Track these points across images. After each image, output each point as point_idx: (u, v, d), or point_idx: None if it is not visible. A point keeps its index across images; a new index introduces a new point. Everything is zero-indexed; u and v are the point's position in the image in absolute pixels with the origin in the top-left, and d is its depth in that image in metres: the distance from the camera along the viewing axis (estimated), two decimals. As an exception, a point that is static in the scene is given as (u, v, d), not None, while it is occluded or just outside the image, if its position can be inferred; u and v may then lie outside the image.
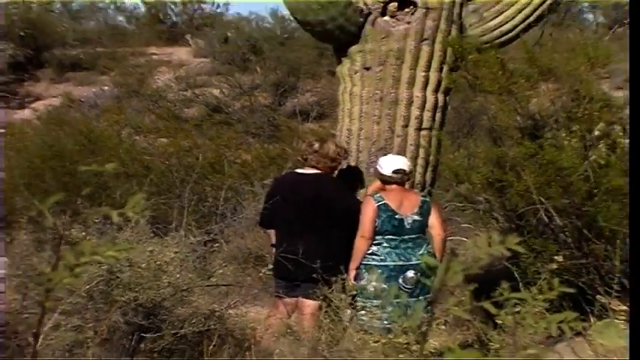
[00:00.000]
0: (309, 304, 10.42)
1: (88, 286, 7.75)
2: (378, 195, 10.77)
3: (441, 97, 11.87)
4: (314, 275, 9.91)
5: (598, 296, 9.51)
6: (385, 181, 10.93)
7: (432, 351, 7.47)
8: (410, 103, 11.69)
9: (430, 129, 11.84)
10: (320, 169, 11.23)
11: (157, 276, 8.58)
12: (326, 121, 25.74)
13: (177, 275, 8.70)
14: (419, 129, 11.74)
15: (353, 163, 11.78)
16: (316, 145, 11.36)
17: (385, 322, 10.09)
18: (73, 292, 7.64)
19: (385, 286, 10.50)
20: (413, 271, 10.58)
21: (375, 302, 10.31)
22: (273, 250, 11.27)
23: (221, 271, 11.90)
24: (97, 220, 8.40)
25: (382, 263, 10.67)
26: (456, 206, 15.18)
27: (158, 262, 8.70)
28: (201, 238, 11.08)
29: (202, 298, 9.24)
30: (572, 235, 11.74)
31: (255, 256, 13.99)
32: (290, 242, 10.72)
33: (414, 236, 10.84)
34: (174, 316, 8.56)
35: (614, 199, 11.71)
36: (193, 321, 8.67)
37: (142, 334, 8.26)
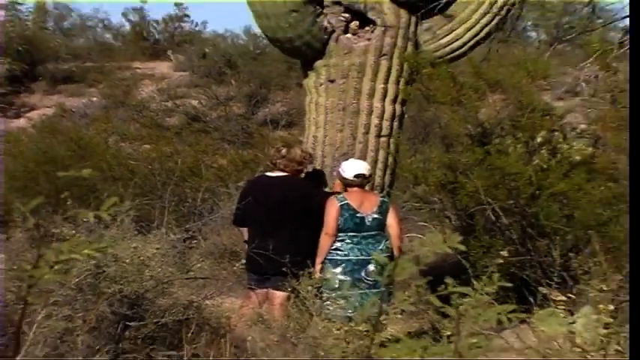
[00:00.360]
0: (279, 295, 10.50)
1: (77, 279, 7.76)
2: (341, 195, 10.84)
3: (398, 107, 11.93)
4: (283, 269, 10.01)
5: (540, 288, 9.55)
6: (347, 184, 10.97)
7: (389, 337, 7.48)
8: (370, 112, 11.75)
9: (389, 136, 11.87)
10: (287, 172, 11.30)
11: (140, 270, 8.58)
12: (294, 129, 25.82)
13: (159, 269, 8.71)
14: (378, 136, 11.79)
15: (319, 167, 11.80)
16: (284, 151, 11.46)
17: (348, 311, 10.15)
18: (63, 284, 7.64)
19: (349, 278, 10.64)
20: (373, 265, 10.59)
21: (339, 293, 10.37)
22: (246, 246, 11.34)
23: (199, 265, 11.91)
24: (85, 220, 8.40)
25: (346, 258, 10.74)
26: (412, 206, 15.23)
27: (141, 258, 8.71)
28: (180, 235, 11.08)
29: (182, 290, 9.24)
30: (517, 233, 11.82)
31: (229, 251, 14.02)
32: (261, 239, 10.78)
33: (373, 233, 10.89)
34: (156, 307, 8.55)
35: (554, 200, 11.86)
36: (173, 311, 8.65)
37: (127, 323, 8.26)
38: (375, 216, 10.90)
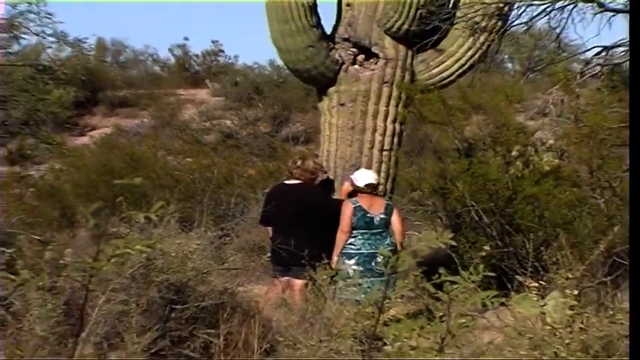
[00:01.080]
0: (298, 283, 10.59)
1: (131, 270, 7.76)
2: (355, 199, 10.95)
3: (397, 126, 11.91)
4: (302, 261, 10.06)
5: (516, 276, 9.54)
6: (359, 190, 11.07)
7: (391, 318, 7.47)
8: (374, 130, 11.75)
9: (390, 150, 11.87)
10: (302, 180, 11.41)
11: (183, 262, 8.58)
12: (311, 144, 25.75)
13: (199, 261, 8.71)
14: (381, 150, 11.79)
15: (332, 176, 11.83)
16: (299, 162, 11.60)
17: (360, 295, 10.13)
18: (119, 274, 7.64)
19: (361, 268, 10.81)
20: (380, 257, 10.59)
21: (351, 281, 10.38)
22: (270, 242, 11.51)
23: (232, 258, 11.91)
24: (137, 220, 8.39)
25: (359, 251, 10.90)
26: (410, 208, 15.23)
27: (184, 252, 8.71)
28: (217, 233, 11.09)
29: (218, 279, 9.22)
30: (497, 230, 11.89)
31: (258, 247, 14.02)
32: (282, 237, 10.94)
33: (380, 230, 11.00)
34: (196, 293, 8.54)
35: (527, 203, 11.93)
36: (211, 296, 8.62)
37: (173, 306, 8.25)
38: (382, 216, 10.99)
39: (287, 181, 11.78)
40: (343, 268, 10.89)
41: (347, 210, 11.07)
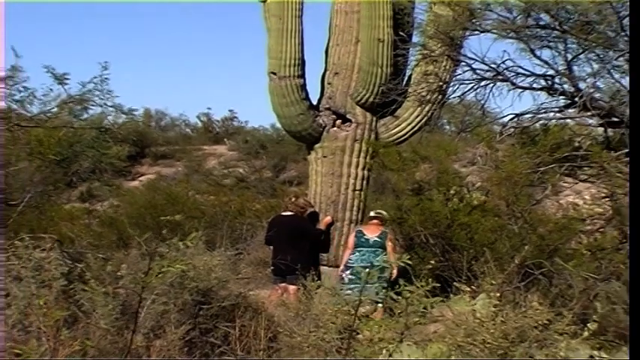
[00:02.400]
0: (292, 288, 10.64)
1: (170, 280, 7.75)
2: (359, 227, 11.44)
3: (365, 172, 11.89)
4: (295, 272, 10.29)
5: (454, 283, 9.55)
6: (369, 218, 11.46)
7: (363, 314, 7.46)
8: (348, 176, 11.74)
9: (360, 190, 11.85)
10: (295, 213, 11.65)
11: (208, 273, 8.58)
12: (302, 186, 25.65)
13: (220, 273, 8.71)
14: (354, 190, 11.77)
15: (317, 210, 11.81)
16: (292, 199, 11.96)
17: (355, 296, 10.23)
18: (162, 283, 7.62)
19: (353, 277, 10.95)
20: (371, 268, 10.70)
21: (351, 286, 10.63)
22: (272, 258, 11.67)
23: (244, 270, 12.04)
24: (175, 243, 8.42)
25: (352, 264, 11.02)
26: None
27: (209, 265, 8.72)
28: (233, 252, 11.08)
29: (234, 286, 9.23)
30: (439, 249, 11.91)
31: (263, 261, 13.95)
32: (280, 254, 11.14)
33: (374, 249, 11.07)
34: (218, 296, 8.53)
35: (462, 229, 11.97)
36: (229, 298, 8.62)
37: (201, 306, 8.24)
38: (376, 239, 11.10)
39: (283, 213, 11.90)
40: (343, 276, 11.13)
41: (351, 235, 11.32)
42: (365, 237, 11.14)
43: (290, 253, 11.03)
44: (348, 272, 11.11)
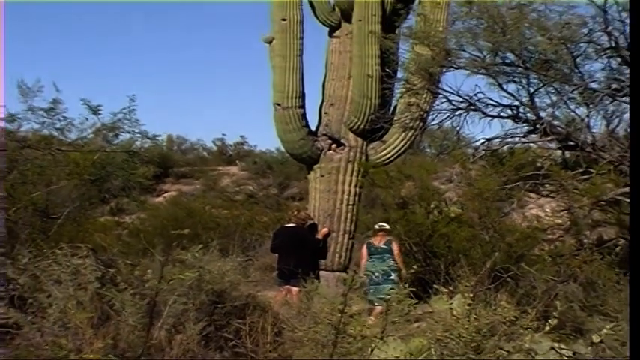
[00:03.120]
0: (294, 290, 10.49)
1: (189, 282, 7.72)
2: (369, 240, 11.24)
3: (357, 189, 11.86)
4: (297, 276, 10.14)
5: (435, 285, 9.46)
6: (374, 231, 11.19)
7: (355, 313, 7.46)
8: (343, 192, 11.71)
9: (353, 205, 11.82)
10: (296, 224, 11.52)
11: (222, 277, 8.53)
12: (303, 201, 25.58)
13: (232, 276, 8.66)
14: (347, 205, 11.74)
15: (316, 222, 11.77)
16: (295, 213, 11.93)
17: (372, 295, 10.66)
18: (181, 285, 7.59)
19: (368, 280, 10.77)
20: (381, 271, 10.81)
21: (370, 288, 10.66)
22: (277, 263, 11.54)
23: (253, 274, 11.92)
24: (192, 252, 8.41)
25: (367, 270, 10.84)
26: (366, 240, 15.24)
27: (223, 270, 8.68)
28: (243, 258, 11.04)
29: (245, 287, 9.19)
30: (422, 255, 11.83)
31: (270, 266, 13.87)
32: (284, 260, 11.02)
33: (381, 255, 10.89)
34: (231, 296, 8.47)
35: (441, 238, 11.95)
36: (241, 298, 8.58)
37: (216, 305, 8.20)
38: (382, 246, 10.93)
39: (287, 225, 11.81)
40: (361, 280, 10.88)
41: (363, 246, 11.23)
42: (374, 246, 11.02)
43: (292, 260, 10.90)
44: (364, 277, 10.98)
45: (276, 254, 11.58)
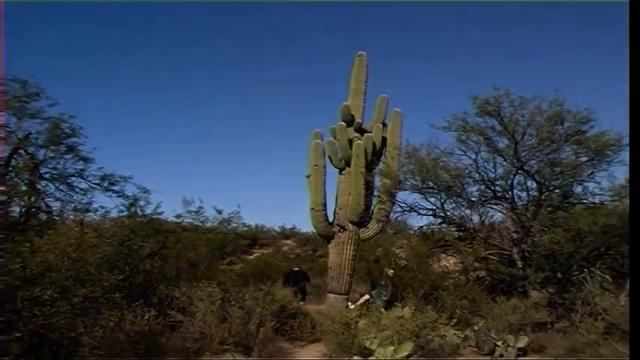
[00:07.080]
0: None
1: (267, 301, 7.52)
2: (379, 282, 10.76)
3: (354, 252, 11.30)
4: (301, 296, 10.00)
5: (395, 302, 9.27)
6: (386, 274, 10.81)
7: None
8: (346, 253, 11.23)
9: (352, 260, 11.26)
10: (298, 269, 11.72)
11: (284, 297, 8.37)
12: (325, 258, 23.30)
13: (289, 297, 8.61)
14: (348, 260, 11.22)
15: (330, 270, 11.15)
16: (296, 268, 11.92)
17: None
18: (264, 301, 7.44)
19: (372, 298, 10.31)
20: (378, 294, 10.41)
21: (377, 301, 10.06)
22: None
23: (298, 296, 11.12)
24: (269, 284, 8.16)
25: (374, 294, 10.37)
26: (360, 280, 13.89)
27: (284, 294, 8.55)
28: (293, 288, 10.20)
29: (294, 302, 8.98)
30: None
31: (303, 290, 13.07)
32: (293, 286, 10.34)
33: (380, 289, 10.55)
34: (288, 307, 8.44)
35: (397, 277, 11.18)
36: (293, 309, 8.51)
37: (281, 312, 8.14)
38: (382, 283, 10.64)
39: (294, 269, 11.97)
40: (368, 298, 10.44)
41: (364, 294, 10.63)
42: (380, 284, 10.62)
43: (297, 290, 10.37)
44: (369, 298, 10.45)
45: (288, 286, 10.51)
